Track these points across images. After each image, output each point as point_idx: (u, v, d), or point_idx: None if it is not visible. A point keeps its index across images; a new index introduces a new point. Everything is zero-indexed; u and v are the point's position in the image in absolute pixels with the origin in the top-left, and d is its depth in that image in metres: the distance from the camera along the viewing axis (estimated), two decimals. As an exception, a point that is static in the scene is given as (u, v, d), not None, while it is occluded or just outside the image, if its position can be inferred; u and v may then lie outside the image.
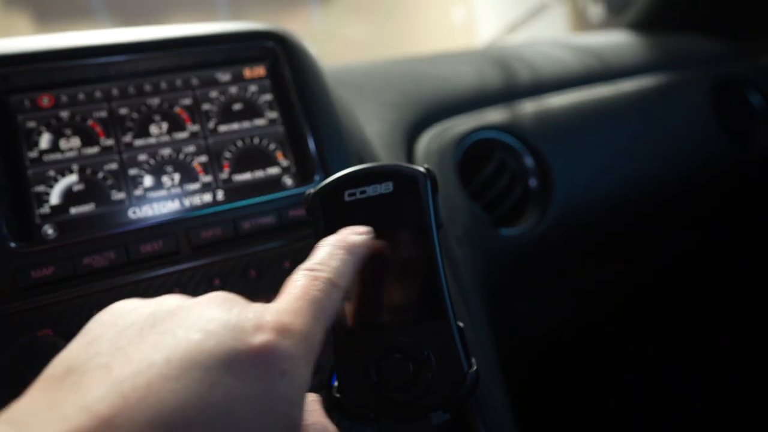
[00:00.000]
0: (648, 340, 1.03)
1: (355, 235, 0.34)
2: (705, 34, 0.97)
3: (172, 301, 0.25)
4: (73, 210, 0.45)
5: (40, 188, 0.45)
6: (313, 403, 0.32)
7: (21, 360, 0.38)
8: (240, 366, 0.22)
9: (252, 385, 0.22)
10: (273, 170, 0.51)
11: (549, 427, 0.92)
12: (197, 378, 0.21)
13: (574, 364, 0.99)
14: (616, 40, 0.93)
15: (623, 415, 1.00)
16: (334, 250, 0.32)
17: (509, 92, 0.72)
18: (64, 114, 0.47)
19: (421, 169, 0.39)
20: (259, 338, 0.24)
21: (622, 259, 0.86)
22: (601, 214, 0.70)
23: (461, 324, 0.37)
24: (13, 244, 0.42)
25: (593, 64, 0.81)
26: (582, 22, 1.44)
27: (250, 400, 0.22)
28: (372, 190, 0.39)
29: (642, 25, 1.04)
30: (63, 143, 0.46)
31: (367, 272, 0.38)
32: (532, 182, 0.67)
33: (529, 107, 0.70)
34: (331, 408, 0.42)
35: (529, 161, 0.67)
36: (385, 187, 0.39)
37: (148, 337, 0.22)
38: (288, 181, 0.51)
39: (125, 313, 0.25)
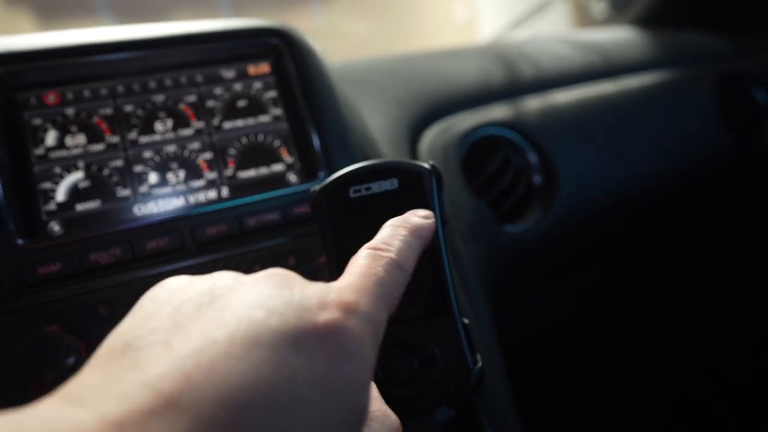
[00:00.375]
0: (650, 337, 1.03)
1: (419, 217, 0.33)
2: (708, 30, 0.97)
3: (227, 277, 0.24)
4: (79, 207, 0.45)
5: (47, 185, 0.45)
6: (374, 390, 0.31)
7: (29, 355, 0.39)
8: (306, 346, 0.21)
9: (318, 367, 0.21)
10: (277, 167, 0.51)
11: (552, 423, 0.92)
12: (263, 357, 0.20)
13: (576, 360, 0.99)
14: (619, 37, 0.93)
15: (624, 411, 1.00)
16: (398, 231, 0.31)
17: (513, 89, 0.71)
18: (70, 111, 0.47)
19: (426, 165, 0.39)
20: (324, 316, 0.23)
21: (624, 255, 0.86)
22: (604, 211, 0.70)
23: (466, 320, 0.37)
24: (20, 241, 0.42)
25: (597, 60, 0.81)
26: (584, 19, 1.44)
27: (316, 383, 0.21)
28: (377, 187, 0.39)
29: (645, 22, 1.04)
30: (69, 140, 0.47)
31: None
32: (536, 179, 0.67)
33: (533, 104, 0.70)
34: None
35: (533, 158, 0.67)
36: (390, 184, 0.39)
37: (207, 313, 0.21)
38: (292, 177, 0.51)
39: (180, 289, 0.24)
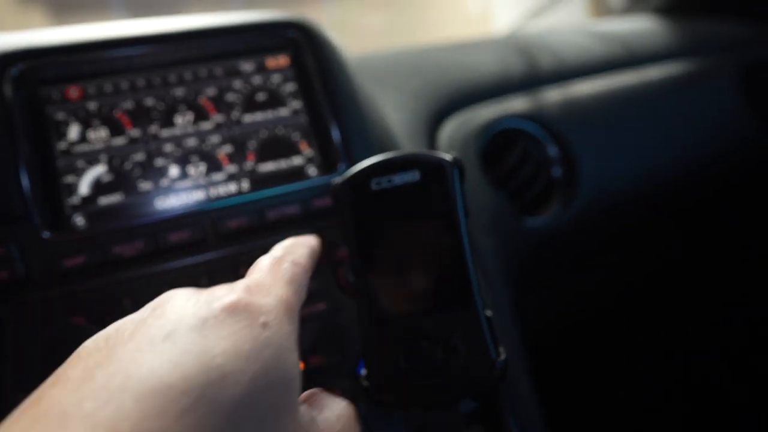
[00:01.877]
0: (672, 329, 1.01)
1: (307, 237, 0.37)
2: (732, 17, 0.95)
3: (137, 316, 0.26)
4: (102, 200, 0.46)
5: (70, 179, 0.46)
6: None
7: (56, 346, 0.39)
8: (213, 324, 0.23)
9: (231, 339, 0.22)
10: (297, 160, 0.51)
11: (575, 415, 0.92)
12: (168, 349, 0.21)
13: (599, 352, 0.99)
14: (640, 26, 0.91)
15: (646, 402, 0.99)
16: (290, 244, 0.35)
17: (533, 80, 0.71)
18: (92, 105, 0.48)
19: (449, 157, 0.39)
20: (229, 297, 0.24)
21: (646, 248, 0.85)
22: (626, 204, 0.69)
23: (489, 312, 0.37)
24: (45, 234, 0.42)
25: (617, 50, 0.80)
26: (601, 9, 1.42)
27: (233, 353, 0.22)
28: (399, 179, 0.39)
29: (666, 10, 1.02)
30: (91, 134, 0.47)
31: (394, 260, 0.38)
32: (557, 171, 0.66)
33: (553, 95, 0.69)
34: (358, 397, 0.43)
35: (553, 150, 0.66)
36: (412, 176, 0.39)
37: (122, 341, 0.23)
38: (312, 170, 0.51)
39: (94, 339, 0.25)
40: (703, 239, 0.94)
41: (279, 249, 0.33)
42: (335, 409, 0.28)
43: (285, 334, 0.24)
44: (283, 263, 0.31)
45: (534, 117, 0.67)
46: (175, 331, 0.22)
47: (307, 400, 0.28)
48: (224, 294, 0.25)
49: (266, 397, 0.22)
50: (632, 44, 0.82)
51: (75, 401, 0.19)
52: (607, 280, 0.86)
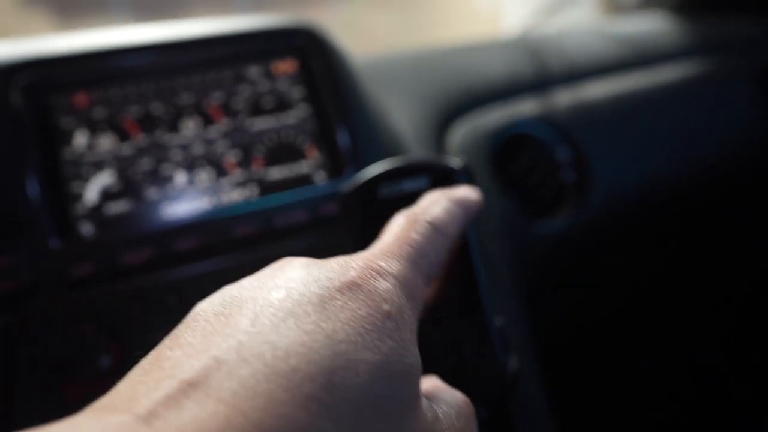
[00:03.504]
0: (685, 334, 1.00)
1: (465, 191, 0.32)
2: (750, 14, 0.93)
3: (250, 281, 0.24)
4: (110, 208, 0.46)
5: (77, 187, 0.46)
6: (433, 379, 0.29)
7: (64, 355, 0.39)
8: (334, 306, 0.21)
9: (353, 324, 0.20)
10: (305, 166, 0.50)
11: (587, 422, 0.90)
12: (290, 327, 0.19)
13: (610, 355, 0.98)
14: (653, 24, 0.90)
15: (657, 406, 0.98)
16: (439, 199, 0.30)
17: (543, 82, 0.70)
18: (99, 113, 0.47)
19: (458, 163, 0.38)
20: (348, 275, 0.22)
21: (661, 252, 0.84)
22: (640, 208, 0.68)
23: (500, 320, 0.37)
24: (54, 242, 0.42)
25: (630, 50, 0.79)
26: (613, 6, 1.40)
27: (356, 340, 0.20)
28: (408, 186, 0.38)
29: (680, 7, 1.00)
30: (98, 142, 0.47)
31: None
32: (569, 175, 0.65)
33: (564, 97, 0.69)
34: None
35: (564, 153, 0.65)
36: (421, 183, 0.38)
37: (231, 312, 0.21)
38: (320, 176, 0.51)
39: (210, 301, 0.24)
40: (715, 241, 0.93)
41: (422, 204, 0.29)
42: (454, 404, 0.25)
43: (407, 325, 0.22)
44: (418, 227, 0.27)
45: (545, 119, 0.66)
46: (296, 308, 0.20)
47: (427, 393, 0.26)
48: (342, 270, 0.23)
49: (390, 390, 0.20)
50: (645, 44, 0.81)
51: (200, 369, 0.18)
52: (619, 283, 0.85)
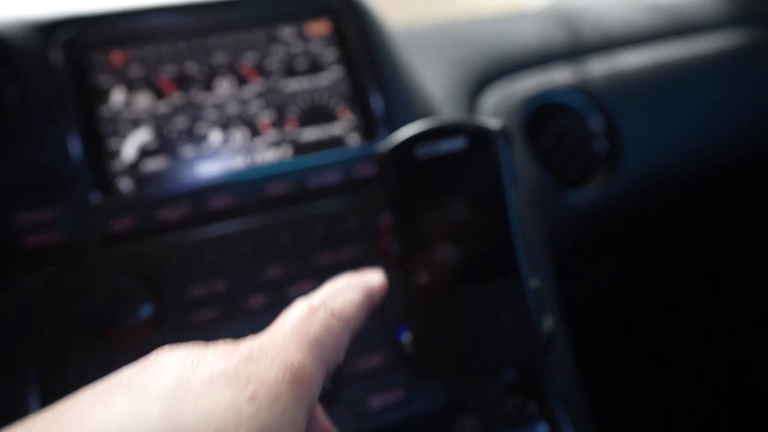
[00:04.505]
0: (719, 313, 0.99)
1: (368, 276, 0.31)
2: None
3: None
4: (146, 165, 0.46)
5: (115, 144, 0.46)
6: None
7: (107, 307, 0.40)
8: (192, 391, 0.19)
9: (204, 408, 0.19)
10: (337, 127, 0.50)
11: (614, 391, 0.90)
12: (128, 405, 0.18)
13: (642, 334, 0.97)
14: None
15: (689, 387, 0.97)
16: (340, 287, 0.29)
17: (576, 51, 0.68)
18: (135, 71, 0.48)
19: (496, 124, 0.38)
20: (219, 363, 0.21)
21: (694, 228, 0.82)
22: (673, 181, 0.67)
23: (535, 282, 0.37)
24: (93, 198, 0.43)
25: (667, 19, 0.76)
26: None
27: (200, 424, 0.18)
28: (444, 147, 0.38)
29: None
30: (134, 100, 0.47)
31: (439, 229, 0.37)
32: (601, 145, 0.64)
33: (597, 66, 0.67)
34: (398, 364, 0.43)
35: (597, 123, 0.64)
36: (458, 143, 0.38)
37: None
38: (353, 138, 0.50)
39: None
40: (753, 222, 0.91)
41: (321, 293, 0.28)
42: None
43: (278, 412, 0.20)
44: (316, 315, 0.25)
45: (578, 88, 0.64)
46: (138, 392, 0.19)
47: None
48: (215, 358, 0.21)
49: None
50: (683, 13, 0.78)
51: None
52: (652, 262, 0.84)
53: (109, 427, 0.17)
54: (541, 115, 0.63)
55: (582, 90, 0.64)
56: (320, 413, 0.28)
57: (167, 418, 0.18)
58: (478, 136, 0.38)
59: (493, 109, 0.59)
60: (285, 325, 0.25)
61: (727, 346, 0.99)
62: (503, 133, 0.38)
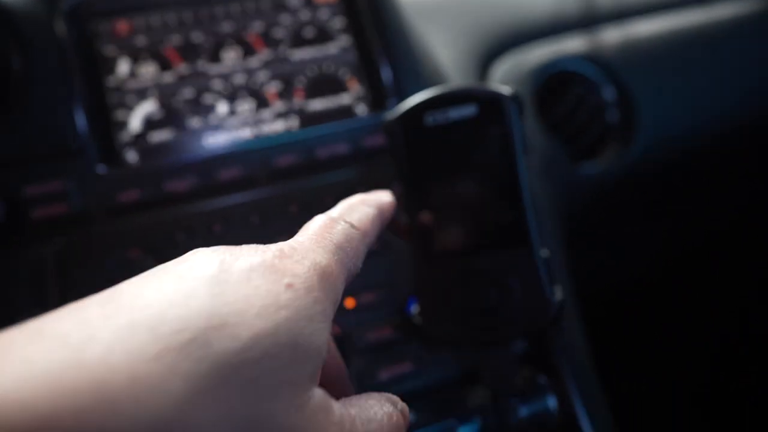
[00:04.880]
0: (729, 287, 0.98)
1: (379, 195, 0.33)
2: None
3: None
4: (153, 136, 0.46)
5: (121, 115, 0.46)
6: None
7: (113, 278, 0.40)
8: (230, 279, 0.20)
9: (245, 293, 0.20)
10: (346, 97, 0.50)
11: (623, 364, 0.90)
12: (173, 289, 0.19)
13: (653, 309, 0.96)
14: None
15: (700, 362, 0.97)
16: (355, 202, 0.30)
17: (589, 19, 0.66)
18: (140, 41, 0.47)
19: (507, 90, 0.37)
20: (255, 258, 0.22)
21: (709, 202, 0.81)
22: (688, 153, 0.66)
23: (546, 252, 0.36)
24: (100, 169, 0.43)
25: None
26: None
27: (242, 306, 0.19)
28: (455, 114, 0.37)
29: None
30: (140, 70, 0.47)
31: (449, 198, 0.37)
32: (614, 115, 0.63)
33: (611, 35, 0.65)
34: (408, 335, 0.43)
35: (609, 93, 0.63)
36: (469, 110, 0.37)
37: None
38: (361, 108, 0.50)
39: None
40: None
41: (338, 207, 0.30)
42: (371, 412, 0.24)
43: (311, 300, 0.21)
44: (337, 225, 0.27)
45: (591, 57, 0.63)
46: (185, 275, 0.20)
47: (348, 399, 0.24)
48: (250, 253, 0.22)
49: (268, 362, 0.19)
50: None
51: (54, 320, 0.18)
52: (665, 235, 0.83)
53: (162, 303, 0.19)
54: (554, 85, 0.62)
55: (595, 59, 0.63)
56: (331, 343, 0.29)
57: (213, 296, 0.19)
58: (489, 102, 0.37)
59: (505, 79, 0.58)
60: (309, 231, 0.26)
61: (737, 320, 0.98)
62: (515, 99, 0.37)
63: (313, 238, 0.26)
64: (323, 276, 0.23)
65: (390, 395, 0.26)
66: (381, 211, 0.31)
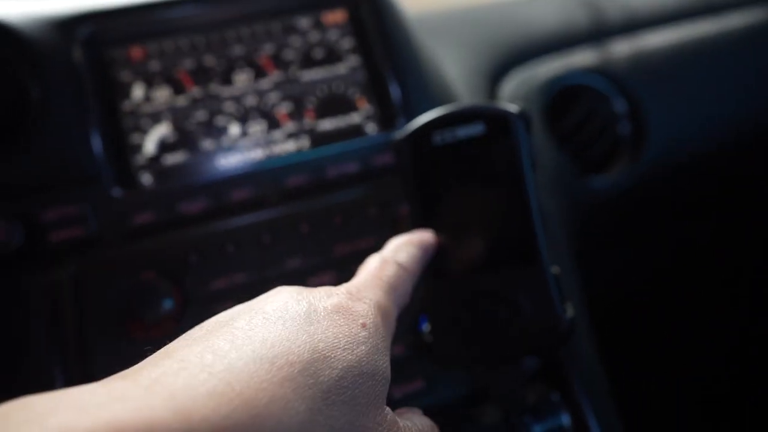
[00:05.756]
0: (743, 299, 0.96)
1: (422, 235, 0.36)
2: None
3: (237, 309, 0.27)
4: (167, 159, 0.47)
5: (137, 139, 0.47)
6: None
7: (128, 299, 0.41)
8: (318, 318, 0.25)
9: (333, 331, 0.25)
10: (356, 117, 0.50)
11: (637, 378, 0.89)
12: (277, 330, 0.24)
13: (662, 319, 0.95)
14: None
15: (713, 373, 0.96)
16: (402, 243, 0.35)
17: (599, 32, 0.67)
18: (154, 65, 0.48)
19: (514, 108, 0.37)
20: (332, 300, 0.27)
21: (719, 212, 0.80)
22: (699, 164, 0.65)
23: (556, 269, 0.36)
24: (116, 192, 0.44)
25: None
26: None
27: (333, 343, 0.24)
28: (462, 132, 0.37)
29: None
30: (154, 94, 0.48)
31: (458, 216, 0.37)
32: (624, 128, 0.63)
33: (621, 47, 0.65)
34: (419, 353, 0.43)
35: (620, 105, 0.63)
36: (476, 129, 0.37)
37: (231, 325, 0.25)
38: (371, 127, 0.50)
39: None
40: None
41: (389, 248, 0.34)
42: (420, 424, 0.29)
43: (380, 337, 0.27)
44: (388, 266, 0.32)
45: (600, 70, 0.63)
46: (286, 316, 0.25)
47: (400, 411, 0.30)
48: (327, 296, 0.27)
49: (357, 387, 0.24)
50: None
51: (197, 352, 0.22)
52: (676, 246, 0.82)
53: (273, 340, 0.23)
54: (564, 99, 0.62)
55: (605, 72, 0.63)
56: None
57: (310, 335, 0.24)
58: (497, 120, 0.37)
59: (514, 95, 0.58)
60: (366, 273, 0.31)
61: (753, 332, 0.96)
62: (522, 117, 0.37)
63: (369, 279, 0.30)
64: (384, 315, 0.29)
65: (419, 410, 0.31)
66: (425, 251, 0.35)
